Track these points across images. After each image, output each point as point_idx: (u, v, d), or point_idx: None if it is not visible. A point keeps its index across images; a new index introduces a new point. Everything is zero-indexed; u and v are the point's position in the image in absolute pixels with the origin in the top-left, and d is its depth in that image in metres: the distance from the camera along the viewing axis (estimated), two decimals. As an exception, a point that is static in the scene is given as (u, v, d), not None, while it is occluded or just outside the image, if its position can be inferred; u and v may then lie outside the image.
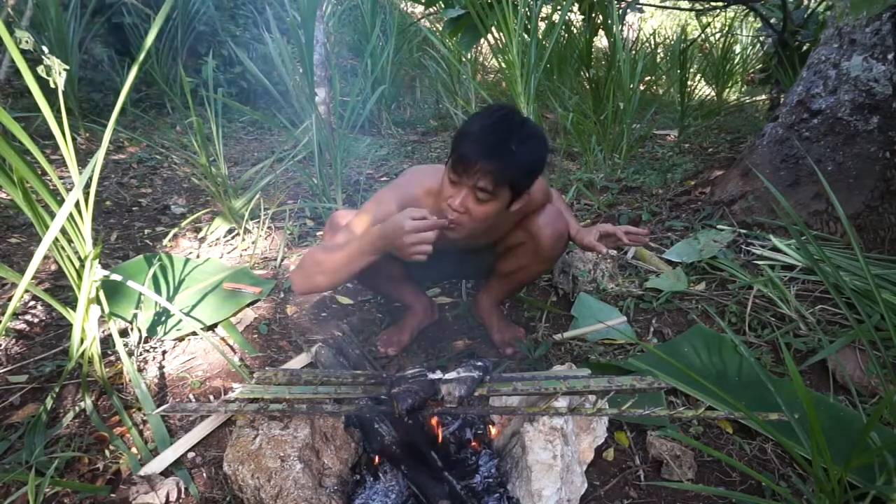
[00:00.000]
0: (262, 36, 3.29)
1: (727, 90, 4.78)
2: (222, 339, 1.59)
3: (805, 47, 3.31)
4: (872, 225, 1.92)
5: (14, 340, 1.49)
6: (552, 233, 1.34)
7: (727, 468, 1.16)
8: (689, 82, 3.87)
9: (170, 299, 1.69)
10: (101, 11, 3.66)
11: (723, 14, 5.02)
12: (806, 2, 3.74)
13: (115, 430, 1.23)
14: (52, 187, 1.17)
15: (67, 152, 1.14)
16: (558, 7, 3.11)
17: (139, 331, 1.53)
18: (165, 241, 2.15)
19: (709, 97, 4.71)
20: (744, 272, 1.77)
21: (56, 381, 1.31)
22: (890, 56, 1.92)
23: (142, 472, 1.10)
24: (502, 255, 1.48)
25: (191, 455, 1.18)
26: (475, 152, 1.10)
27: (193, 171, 2.53)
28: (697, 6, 4.41)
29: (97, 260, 1.21)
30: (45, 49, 1.18)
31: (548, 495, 0.97)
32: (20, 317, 1.59)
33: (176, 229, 2.21)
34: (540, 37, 2.81)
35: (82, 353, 1.26)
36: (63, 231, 1.16)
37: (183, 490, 1.09)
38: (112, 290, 1.58)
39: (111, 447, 1.18)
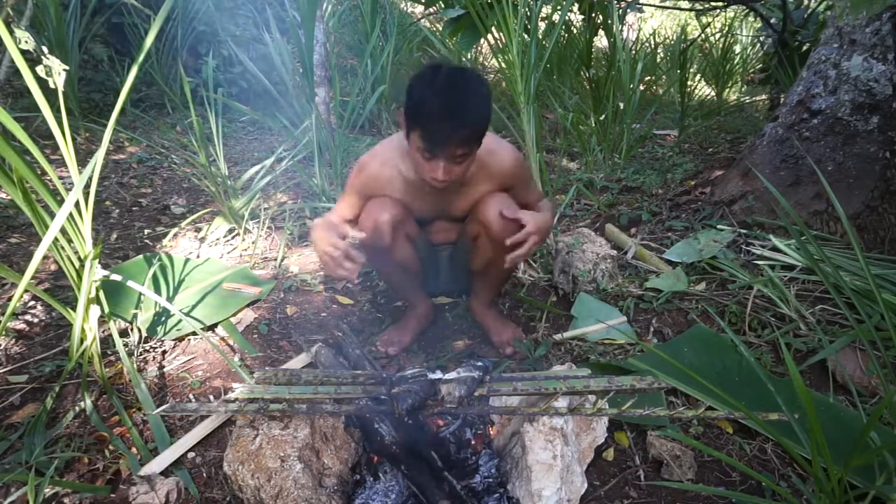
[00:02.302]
0: (262, 36, 3.29)
1: (727, 90, 4.77)
2: (222, 339, 1.59)
3: (805, 47, 3.31)
4: (872, 225, 1.92)
5: (14, 340, 1.49)
6: (494, 215, 1.30)
7: (727, 468, 1.16)
8: (689, 82, 3.86)
9: (170, 299, 1.69)
10: (101, 11, 3.65)
11: (723, 14, 5.02)
12: (806, 2, 3.74)
13: (115, 430, 1.23)
14: (52, 187, 1.18)
15: (67, 152, 1.14)
16: (558, 7, 3.10)
17: (139, 331, 1.53)
18: (165, 241, 2.15)
19: (709, 97, 4.71)
20: (744, 272, 1.77)
21: (56, 381, 1.31)
22: (890, 56, 1.92)
23: (142, 472, 1.10)
24: (471, 254, 1.47)
25: (191, 455, 1.18)
26: (445, 128, 1.10)
27: (193, 171, 2.53)
28: (697, 6, 4.41)
29: (97, 260, 1.21)
30: (45, 49, 1.18)
31: (548, 495, 0.97)
32: (20, 317, 1.59)
33: (176, 229, 2.21)
34: (540, 37, 2.81)
35: (82, 353, 1.26)
36: (63, 231, 1.16)
37: (183, 490, 1.09)
38: (112, 290, 1.58)
39: (111, 447, 1.18)
